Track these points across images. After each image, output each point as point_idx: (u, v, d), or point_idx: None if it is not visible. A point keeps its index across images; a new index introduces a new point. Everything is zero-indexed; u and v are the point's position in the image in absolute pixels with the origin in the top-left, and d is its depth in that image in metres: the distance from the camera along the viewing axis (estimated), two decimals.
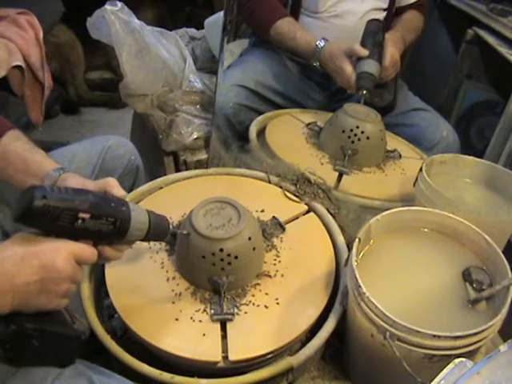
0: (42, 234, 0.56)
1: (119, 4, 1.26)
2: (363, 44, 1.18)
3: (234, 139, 1.22)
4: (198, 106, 1.43)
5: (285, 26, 1.29)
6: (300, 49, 1.27)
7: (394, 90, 1.30)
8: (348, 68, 1.16)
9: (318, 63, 1.25)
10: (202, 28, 1.69)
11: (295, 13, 1.34)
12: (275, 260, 0.83)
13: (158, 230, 0.65)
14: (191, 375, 0.68)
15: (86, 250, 0.57)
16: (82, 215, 0.55)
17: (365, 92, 1.14)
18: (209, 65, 1.64)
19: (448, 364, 0.50)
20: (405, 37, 1.31)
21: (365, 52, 1.16)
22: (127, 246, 0.65)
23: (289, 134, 1.21)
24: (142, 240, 0.65)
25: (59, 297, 0.55)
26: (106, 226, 0.58)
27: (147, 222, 0.63)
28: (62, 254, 0.54)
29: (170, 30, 1.56)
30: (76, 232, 0.56)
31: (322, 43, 1.22)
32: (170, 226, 0.83)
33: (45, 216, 0.53)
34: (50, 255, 0.54)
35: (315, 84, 1.41)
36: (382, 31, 1.21)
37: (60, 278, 0.54)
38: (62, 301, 0.56)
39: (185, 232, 0.74)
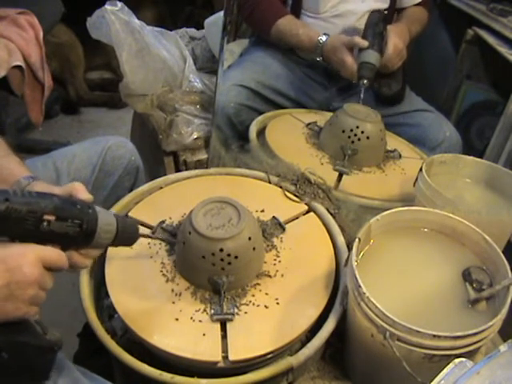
0: (7, 240, 0.54)
1: (119, 4, 1.26)
2: (364, 35, 1.20)
3: (235, 139, 1.23)
4: (197, 106, 1.43)
5: (286, 23, 1.30)
6: (303, 45, 1.29)
7: (401, 80, 1.31)
8: (349, 59, 1.18)
9: (321, 58, 1.26)
10: (202, 28, 1.69)
11: (296, 14, 1.35)
12: (275, 260, 0.83)
13: (126, 233, 0.64)
14: (191, 375, 0.68)
15: (54, 254, 0.55)
16: (46, 217, 0.53)
17: (365, 81, 1.16)
18: (209, 65, 1.64)
19: (448, 364, 0.50)
20: (410, 27, 1.32)
21: (364, 43, 1.17)
22: (95, 253, 0.64)
23: (289, 134, 1.21)
24: (111, 244, 0.63)
25: (26, 303, 0.53)
26: (73, 229, 0.56)
27: (115, 224, 0.62)
28: (28, 258, 0.53)
29: (170, 30, 1.56)
30: (42, 236, 0.54)
31: (323, 38, 1.24)
32: (171, 226, 0.85)
33: (8, 219, 0.51)
34: (16, 259, 0.52)
35: (316, 84, 1.41)
36: (383, 22, 1.22)
37: (27, 282, 0.52)
38: (31, 308, 0.54)
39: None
